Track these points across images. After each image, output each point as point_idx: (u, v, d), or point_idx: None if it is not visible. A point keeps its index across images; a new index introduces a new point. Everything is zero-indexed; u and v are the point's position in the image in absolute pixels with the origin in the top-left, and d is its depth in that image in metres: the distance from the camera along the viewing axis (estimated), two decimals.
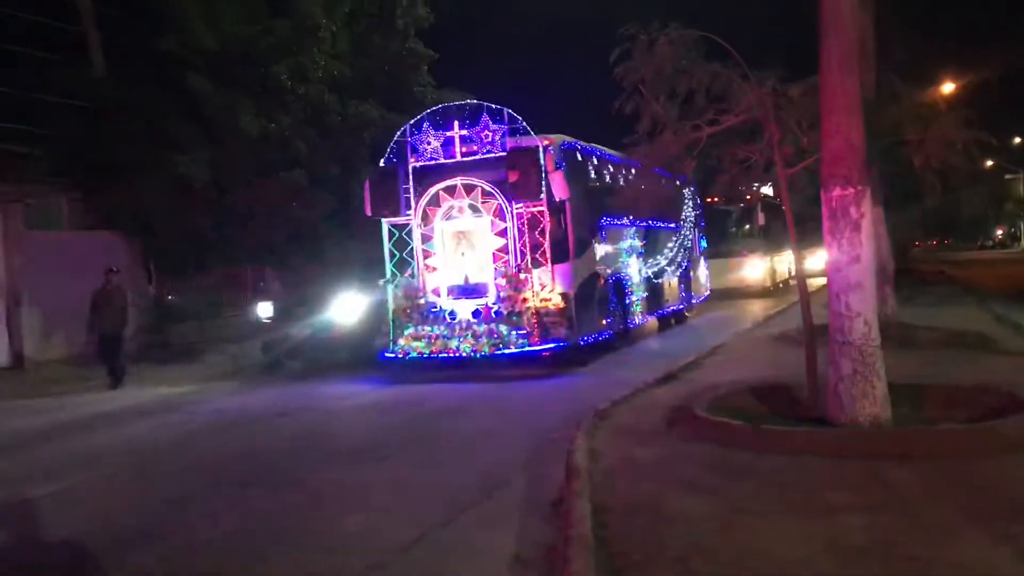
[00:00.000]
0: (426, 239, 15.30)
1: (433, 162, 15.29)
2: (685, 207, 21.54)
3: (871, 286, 8.05)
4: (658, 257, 19.52)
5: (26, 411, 14.33)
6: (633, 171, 18.54)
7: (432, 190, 15.15)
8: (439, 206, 15.19)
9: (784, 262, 30.10)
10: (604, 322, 16.00)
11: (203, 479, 9.00)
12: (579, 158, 15.97)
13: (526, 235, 14.77)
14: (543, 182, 14.55)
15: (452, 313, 14.98)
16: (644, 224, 18.68)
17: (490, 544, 6.26)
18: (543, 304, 14.65)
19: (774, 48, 10.05)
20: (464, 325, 14.73)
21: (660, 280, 19.48)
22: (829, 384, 8.08)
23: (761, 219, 27.30)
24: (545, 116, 16.33)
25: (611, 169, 17.54)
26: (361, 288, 17.48)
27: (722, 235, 27.51)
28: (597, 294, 15.78)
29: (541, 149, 14.53)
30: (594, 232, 16.16)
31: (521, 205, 14.67)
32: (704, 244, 23.90)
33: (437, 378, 14.80)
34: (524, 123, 14.82)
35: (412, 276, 15.22)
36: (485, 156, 15.04)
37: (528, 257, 14.72)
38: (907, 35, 17.03)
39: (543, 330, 14.52)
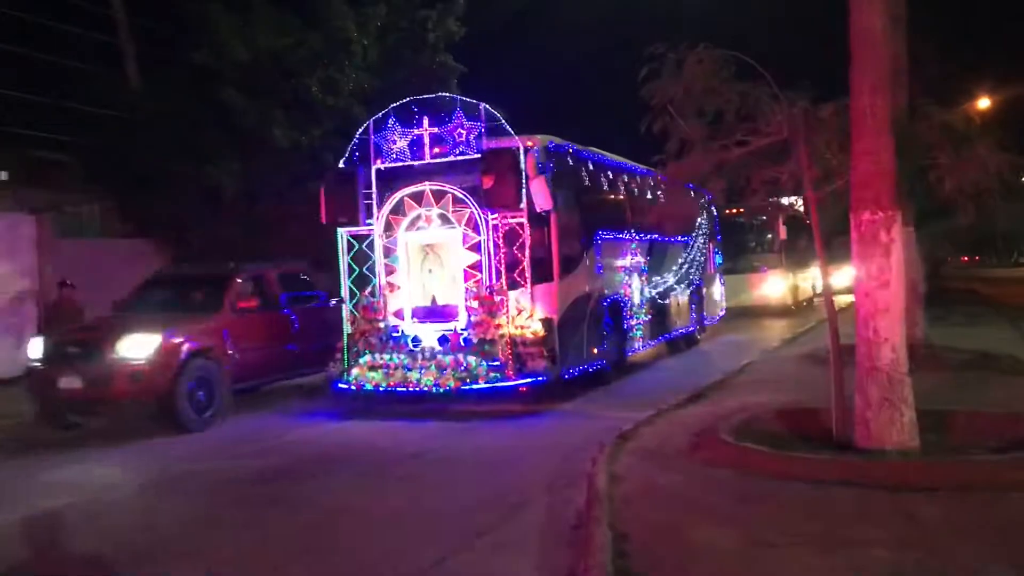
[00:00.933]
0: (388, 252, 11.80)
1: (399, 164, 11.76)
2: (698, 219, 17.98)
3: (900, 311, 7.11)
4: (665, 274, 15.74)
5: None
6: (638, 179, 15.11)
7: (396, 196, 11.65)
8: (404, 215, 11.68)
9: (808, 278, 25.99)
10: (595, 350, 12.52)
11: None
12: (570, 162, 12.52)
13: (503, 250, 11.41)
14: (523, 189, 11.19)
15: (416, 339, 11.58)
16: (649, 238, 15.10)
17: (508, 570, 5.62)
18: (519, 331, 11.29)
19: (805, 67, 8.77)
20: (428, 354, 11.35)
21: (667, 300, 15.67)
22: (856, 410, 7.15)
23: (782, 232, 23.49)
24: (574, 129, 13.63)
25: (610, 176, 14.04)
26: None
27: (740, 249, 22.99)
28: (588, 319, 12.30)
29: (521, 151, 11.14)
30: (587, 247, 12.61)
31: (497, 215, 11.29)
32: (719, 259, 19.92)
33: (390, 414, 11.36)
34: (503, 120, 11.47)
35: (372, 295, 11.99)
36: (458, 158, 11.48)
37: (504, 276, 11.40)
38: (941, 51, 15.04)
39: (519, 362, 11.14)
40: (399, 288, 11.74)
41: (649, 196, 15.56)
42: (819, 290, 26.05)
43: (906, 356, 7.04)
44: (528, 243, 11.20)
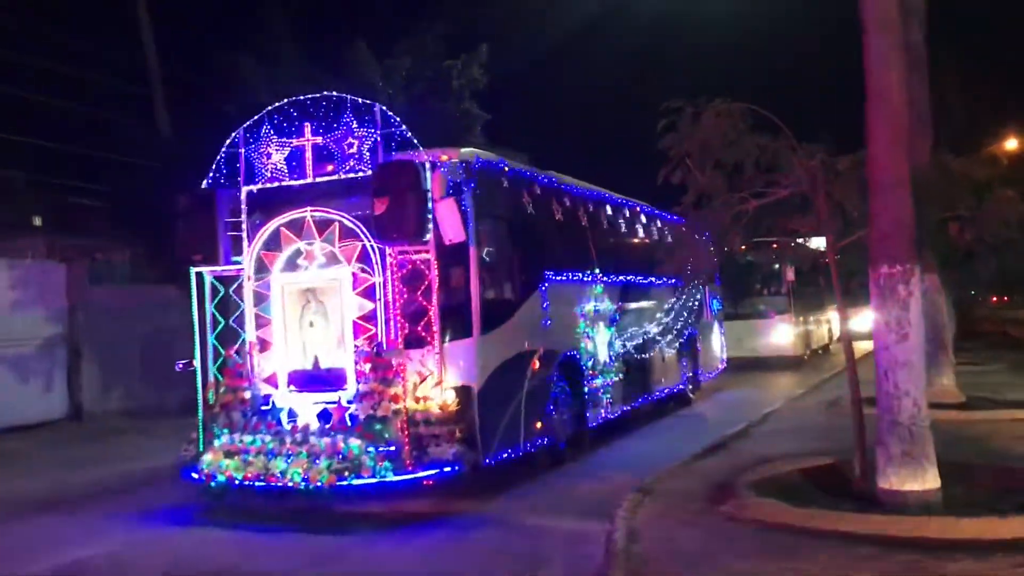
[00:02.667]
0: (261, 300, 8.10)
1: (276, 185, 8.03)
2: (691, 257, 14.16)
3: (920, 364, 6.20)
4: (645, 323, 11.65)
5: None
6: (608, 209, 11.40)
7: (271, 226, 8.02)
8: (280, 250, 8.03)
9: (822, 323, 21.27)
10: (540, 424, 8.71)
11: None
12: (505, 185, 8.80)
13: (404, 296, 7.84)
14: (427, 216, 7.62)
15: (292, 413, 7.92)
16: (622, 280, 11.21)
17: None
18: (422, 406, 7.64)
19: (825, 114, 7.68)
20: (300, 435, 7.69)
21: (648, 354, 11.59)
22: (877, 464, 6.17)
23: (790, 273, 18.24)
24: (605, 178, 11.52)
25: (568, 204, 10.24)
26: None
27: (743, 291, 18.47)
28: (528, 384, 8.31)
29: (426, 166, 7.62)
30: (528, 291, 8.61)
31: (397, 250, 7.75)
32: (718, 304, 15.58)
33: (249, 517, 7.40)
34: (406, 129, 7.93)
35: (239, 355, 8.39)
36: (348, 176, 7.91)
37: (405, 330, 7.77)
38: (967, 91, 14.59)
39: (418, 446, 7.51)
40: (273, 346, 8.12)
41: (624, 230, 11.80)
42: (836, 336, 21.96)
43: (927, 409, 6.19)
44: (435, 286, 7.60)
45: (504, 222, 8.38)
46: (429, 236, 7.40)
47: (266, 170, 8.00)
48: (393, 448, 7.20)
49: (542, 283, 8.90)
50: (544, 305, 8.88)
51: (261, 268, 7.95)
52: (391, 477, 7.13)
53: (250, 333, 7.94)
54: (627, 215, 11.56)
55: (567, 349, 9.30)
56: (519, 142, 18.04)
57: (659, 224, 12.63)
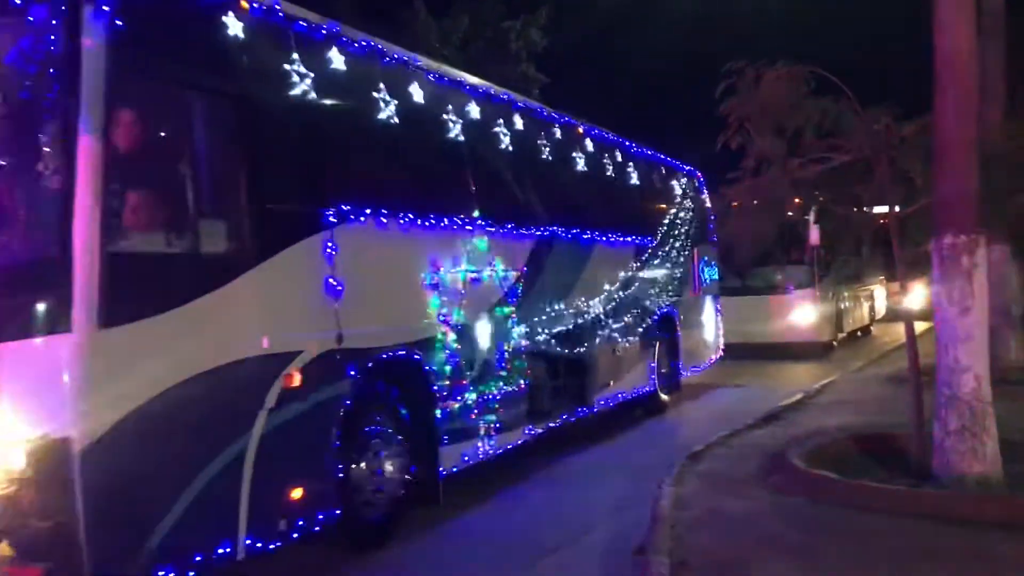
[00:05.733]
0: None
1: None
2: (671, 208, 9.11)
3: (983, 338, 5.08)
4: (580, 299, 6.82)
5: None
6: (514, 119, 6.49)
7: None
8: None
9: (860, 300, 15.12)
10: (302, 492, 4.13)
11: None
12: (230, 31, 4.00)
13: None
14: None
15: None
16: (533, 232, 6.30)
17: None
18: None
19: (891, 82, 7.45)
20: None
21: (583, 346, 6.71)
22: (934, 439, 5.08)
23: (815, 235, 12.02)
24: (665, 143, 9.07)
25: (413, 95, 5.35)
26: None
27: (752, 257, 11.41)
28: (269, 420, 3.59)
29: None
30: (279, 239, 3.87)
31: None
32: (713, 272, 10.22)
33: None
34: None
35: None
36: None
37: None
38: None
39: None
40: None
41: (547, 157, 6.89)
42: (879, 315, 16.55)
43: (989, 384, 4.95)
44: None
45: (217, 99, 3.69)
46: None
47: None
48: None
49: (326, 226, 4.16)
50: (331, 267, 4.16)
51: None
52: None
53: None
54: (557, 137, 6.69)
55: (397, 346, 4.59)
56: (579, 107, 14.08)
57: (619, 156, 7.72)
